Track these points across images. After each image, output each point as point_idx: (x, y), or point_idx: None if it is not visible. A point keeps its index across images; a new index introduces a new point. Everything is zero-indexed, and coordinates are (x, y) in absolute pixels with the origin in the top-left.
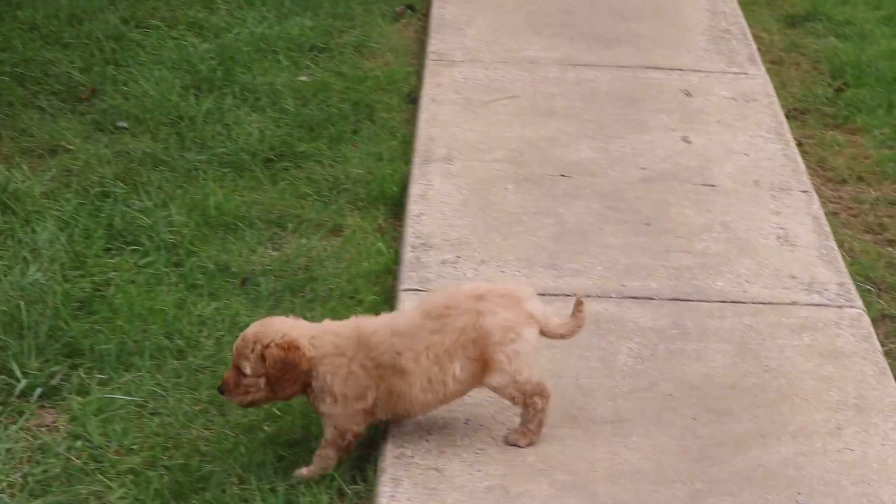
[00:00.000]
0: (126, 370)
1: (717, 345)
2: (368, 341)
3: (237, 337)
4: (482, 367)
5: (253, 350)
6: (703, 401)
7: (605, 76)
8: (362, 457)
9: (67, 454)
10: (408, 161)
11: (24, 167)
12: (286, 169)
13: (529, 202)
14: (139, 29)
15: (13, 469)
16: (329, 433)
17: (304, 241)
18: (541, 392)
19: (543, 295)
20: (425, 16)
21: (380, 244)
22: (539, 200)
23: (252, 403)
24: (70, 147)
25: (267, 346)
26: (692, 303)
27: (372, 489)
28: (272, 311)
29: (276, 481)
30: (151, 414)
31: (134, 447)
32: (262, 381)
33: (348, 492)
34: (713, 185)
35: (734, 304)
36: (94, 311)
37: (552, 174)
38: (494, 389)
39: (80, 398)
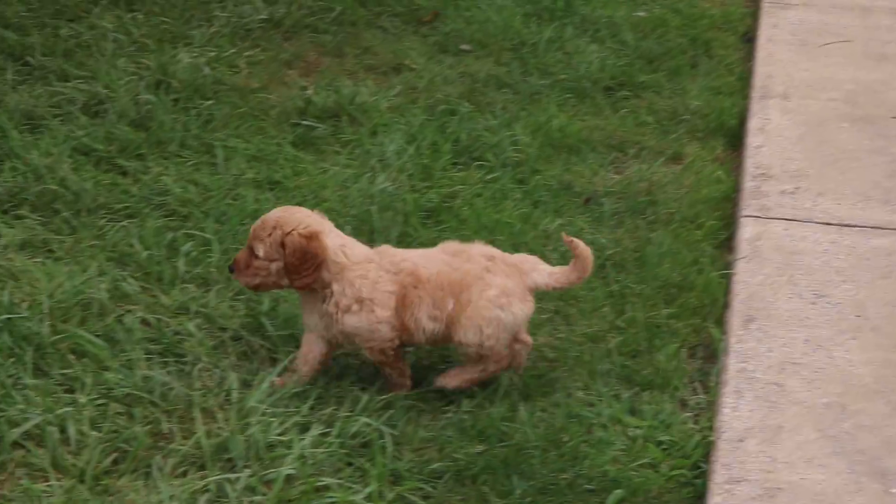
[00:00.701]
0: None
1: None
2: (393, 254)
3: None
4: (462, 314)
5: (271, 234)
6: None
7: None
8: (703, 370)
9: (414, 353)
10: (745, 96)
11: (370, 83)
12: (626, 98)
13: (864, 140)
14: None
15: (363, 365)
16: (371, 354)
17: (644, 166)
18: (498, 360)
19: (877, 228)
20: None
21: (719, 172)
22: (873, 140)
23: (257, 287)
24: (414, 66)
25: (288, 233)
26: None
27: (713, 401)
28: (614, 230)
29: (619, 388)
30: None
31: None
32: (273, 266)
33: (690, 402)
34: None
35: None
36: (441, 221)
37: (885, 115)
38: (459, 344)
39: None
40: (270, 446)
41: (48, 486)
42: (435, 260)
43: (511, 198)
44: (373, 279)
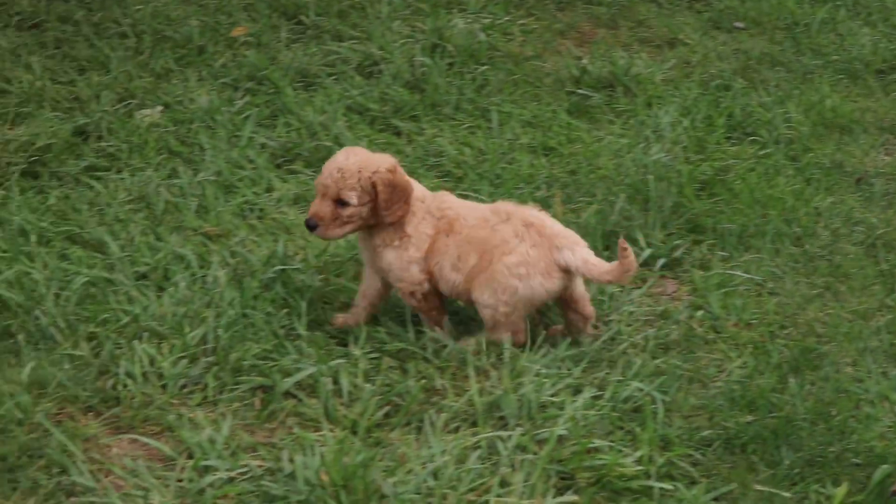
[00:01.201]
0: (746, 250)
1: None
2: (443, 200)
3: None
4: (480, 273)
5: (359, 180)
6: None
7: None
8: None
9: (688, 322)
10: None
11: (644, 55)
12: None
13: None
14: None
15: (635, 331)
16: (403, 296)
17: None
18: (515, 331)
19: None
20: None
21: None
22: None
23: (341, 235)
24: (688, 41)
25: (375, 172)
26: None
27: None
28: (885, 210)
29: (888, 366)
30: (769, 293)
31: (752, 322)
32: (365, 209)
33: None
34: None
35: None
36: (714, 193)
37: None
38: (476, 302)
39: (701, 272)
40: (542, 406)
41: (320, 435)
42: (476, 215)
43: (783, 174)
44: (419, 217)
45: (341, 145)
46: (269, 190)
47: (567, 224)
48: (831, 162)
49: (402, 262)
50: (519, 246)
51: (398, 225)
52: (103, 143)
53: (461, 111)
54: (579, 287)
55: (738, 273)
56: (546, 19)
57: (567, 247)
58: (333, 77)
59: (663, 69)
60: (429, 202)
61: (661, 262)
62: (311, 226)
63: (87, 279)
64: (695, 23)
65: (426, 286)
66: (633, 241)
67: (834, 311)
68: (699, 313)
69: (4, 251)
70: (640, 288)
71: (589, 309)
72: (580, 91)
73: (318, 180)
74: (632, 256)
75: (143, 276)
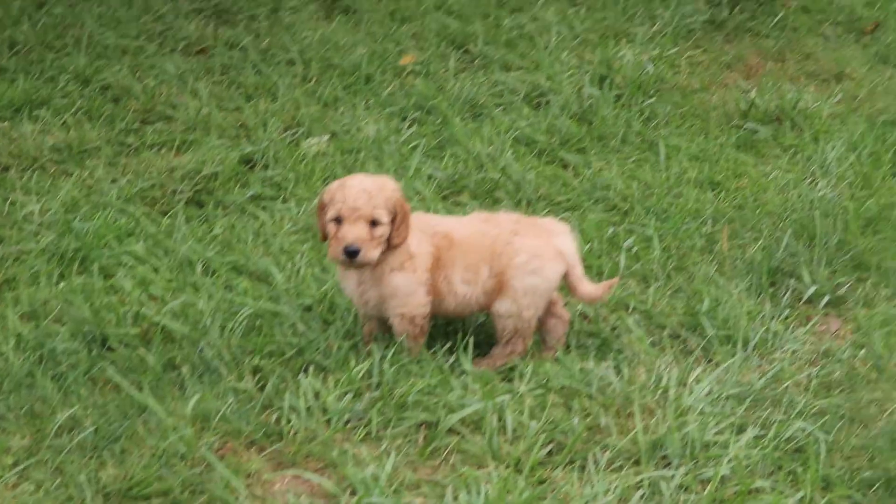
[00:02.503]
0: None
1: None
2: (427, 218)
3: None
4: (498, 287)
5: (386, 200)
6: None
7: None
8: None
9: (851, 361)
10: None
11: (811, 89)
12: None
13: None
14: None
15: (798, 369)
16: (398, 323)
17: None
18: (525, 337)
19: None
20: None
21: None
22: None
23: (376, 259)
24: (854, 75)
25: (394, 191)
26: None
27: None
28: None
29: None
30: None
31: None
32: (389, 229)
33: None
34: None
35: None
36: (879, 230)
37: None
38: (498, 315)
39: (865, 309)
40: (706, 446)
41: (484, 473)
42: (465, 225)
43: None
44: (417, 237)
45: (509, 177)
46: None
47: (733, 260)
48: None
49: (412, 284)
50: (523, 242)
51: (403, 247)
52: (269, 172)
53: (628, 144)
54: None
55: None
56: (713, 51)
57: (562, 233)
58: (501, 107)
59: (830, 104)
60: (415, 223)
61: (825, 299)
62: (354, 251)
63: (252, 311)
64: (862, 57)
65: (428, 309)
66: (798, 278)
67: None
68: (862, 352)
69: (170, 281)
70: (804, 326)
71: (566, 311)
72: (747, 125)
73: (341, 206)
74: (605, 294)
75: (309, 308)
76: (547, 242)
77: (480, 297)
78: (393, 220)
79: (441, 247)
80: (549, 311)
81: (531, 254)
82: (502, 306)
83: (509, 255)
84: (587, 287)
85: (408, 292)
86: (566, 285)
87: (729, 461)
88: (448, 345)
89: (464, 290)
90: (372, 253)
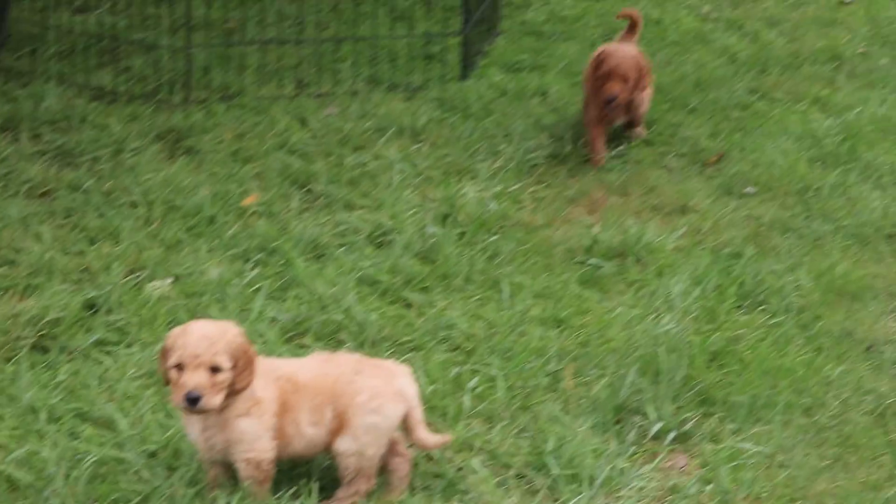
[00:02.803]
0: (755, 422)
1: None
2: (267, 361)
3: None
4: (340, 426)
5: (227, 344)
6: None
7: None
8: None
9: (698, 497)
10: None
11: (655, 223)
12: None
13: None
14: (764, 100)
15: None
16: (244, 469)
17: None
18: (369, 476)
19: None
20: None
21: None
22: None
23: (219, 406)
24: (698, 208)
25: (236, 335)
26: None
27: None
28: (894, 379)
29: None
30: (779, 466)
31: (762, 495)
32: (230, 375)
33: None
34: None
35: None
36: (724, 364)
37: None
38: (340, 454)
39: (712, 445)
40: None
41: None
42: (309, 367)
43: (794, 343)
44: (262, 382)
45: (353, 318)
46: None
47: (578, 398)
48: (841, 330)
49: (258, 430)
50: (364, 381)
51: (248, 392)
52: (113, 317)
53: (472, 282)
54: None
55: (749, 446)
56: (557, 186)
57: (402, 375)
58: (344, 247)
59: (674, 237)
60: (260, 366)
61: (671, 435)
62: (195, 398)
63: (97, 458)
64: (706, 189)
65: (274, 453)
66: (644, 415)
67: (844, 483)
68: (709, 487)
69: (14, 429)
70: (650, 463)
71: (408, 451)
72: (591, 261)
73: (182, 353)
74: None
75: (154, 455)
76: (388, 383)
77: (326, 438)
78: (235, 366)
79: (286, 390)
80: (391, 450)
81: (372, 393)
82: (343, 444)
83: (350, 394)
84: (423, 433)
85: (254, 437)
86: (405, 427)
87: None
88: (293, 489)
89: (311, 431)
90: (213, 400)
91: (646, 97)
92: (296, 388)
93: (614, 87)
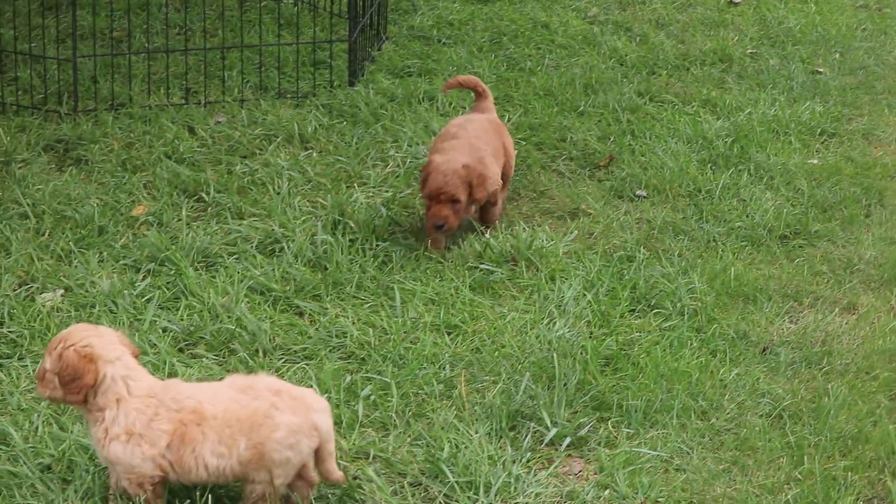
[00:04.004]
0: (651, 426)
1: None
2: (179, 391)
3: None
4: (254, 457)
5: (56, 347)
6: None
7: None
8: None
9: (595, 502)
10: None
11: (546, 227)
12: (800, 246)
13: None
14: (654, 103)
15: None
16: (115, 481)
17: (819, 316)
18: (273, 501)
19: None
20: None
21: (894, 323)
22: None
23: (52, 399)
24: (590, 211)
25: (67, 347)
26: None
27: None
28: (790, 381)
29: None
30: (676, 469)
31: (660, 500)
32: (56, 379)
33: None
34: None
35: None
36: (619, 369)
37: None
38: (252, 481)
39: (608, 450)
40: None
41: None
42: (222, 397)
43: (688, 346)
44: (149, 415)
45: (244, 328)
46: (172, 375)
47: (472, 405)
48: (736, 332)
49: (134, 458)
50: (282, 417)
51: (124, 420)
52: (4, 329)
53: (364, 289)
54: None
55: (645, 450)
56: None
57: (321, 410)
58: (235, 256)
59: (566, 241)
60: (162, 396)
61: (566, 441)
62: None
63: None
64: (597, 192)
65: (157, 478)
66: (539, 421)
67: (742, 486)
68: (606, 493)
69: None
70: (546, 469)
71: (313, 475)
72: (483, 266)
73: None
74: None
75: (49, 468)
76: (305, 419)
77: (236, 468)
78: (59, 373)
79: (188, 422)
80: (298, 474)
81: (289, 430)
82: (257, 475)
83: (269, 428)
84: (331, 466)
85: (129, 464)
86: (315, 457)
87: None
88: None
89: (216, 462)
90: (41, 390)
91: (497, 210)
92: (201, 419)
93: (441, 213)
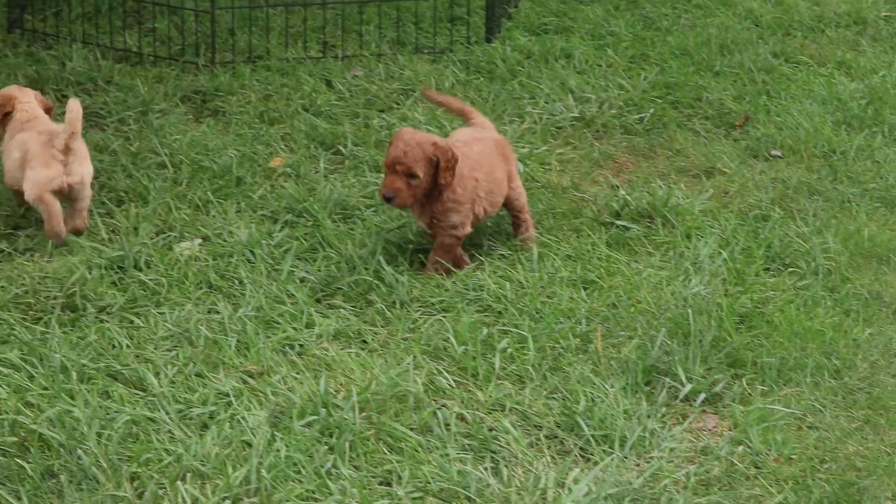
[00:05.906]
0: (785, 384)
1: None
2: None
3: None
4: None
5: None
6: None
7: None
8: None
9: (729, 458)
10: None
11: (682, 185)
12: None
13: None
14: (789, 64)
15: (677, 467)
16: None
17: None
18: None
19: None
20: None
21: None
22: None
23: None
24: (725, 170)
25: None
26: None
27: None
28: None
29: None
30: (809, 427)
31: (793, 457)
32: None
33: None
34: None
35: None
36: (753, 326)
37: None
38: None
39: (742, 406)
40: None
41: None
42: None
43: (822, 305)
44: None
45: (382, 280)
46: (310, 325)
47: (608, 360)
48: (869, 292)
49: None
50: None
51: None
52: (142, 277)
53: (500, 243)
54: None
55: (779, 407)
56: (583, 148)
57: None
58: (372, 209)
59: (702, 200)
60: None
61: (701, 397)
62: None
63: (129, 417)
64: (732, 151)
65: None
66: (674, 376)
67: (874, 444)
68: (740, 448)
69: (45, 388)
70: (680, 424)
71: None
72: (619, 223)
73: None
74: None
75: (185, 415)
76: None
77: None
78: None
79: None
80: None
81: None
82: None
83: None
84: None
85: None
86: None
87: None
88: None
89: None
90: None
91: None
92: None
93: (394, 184)
